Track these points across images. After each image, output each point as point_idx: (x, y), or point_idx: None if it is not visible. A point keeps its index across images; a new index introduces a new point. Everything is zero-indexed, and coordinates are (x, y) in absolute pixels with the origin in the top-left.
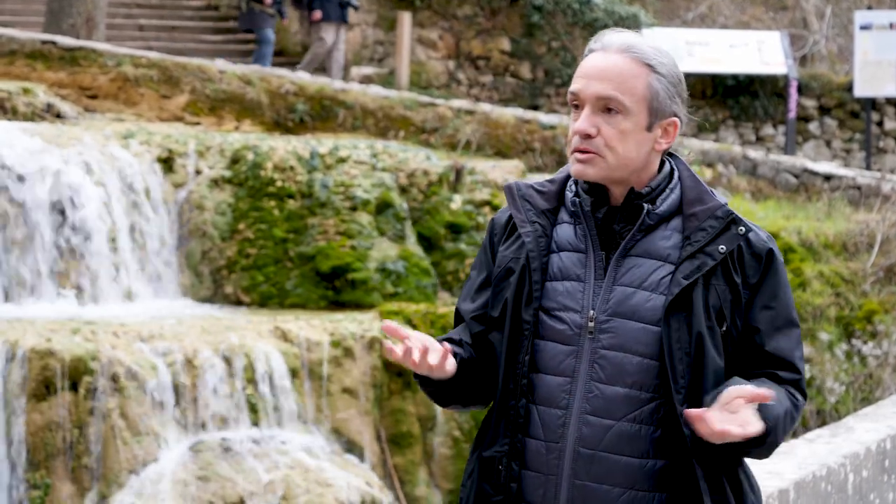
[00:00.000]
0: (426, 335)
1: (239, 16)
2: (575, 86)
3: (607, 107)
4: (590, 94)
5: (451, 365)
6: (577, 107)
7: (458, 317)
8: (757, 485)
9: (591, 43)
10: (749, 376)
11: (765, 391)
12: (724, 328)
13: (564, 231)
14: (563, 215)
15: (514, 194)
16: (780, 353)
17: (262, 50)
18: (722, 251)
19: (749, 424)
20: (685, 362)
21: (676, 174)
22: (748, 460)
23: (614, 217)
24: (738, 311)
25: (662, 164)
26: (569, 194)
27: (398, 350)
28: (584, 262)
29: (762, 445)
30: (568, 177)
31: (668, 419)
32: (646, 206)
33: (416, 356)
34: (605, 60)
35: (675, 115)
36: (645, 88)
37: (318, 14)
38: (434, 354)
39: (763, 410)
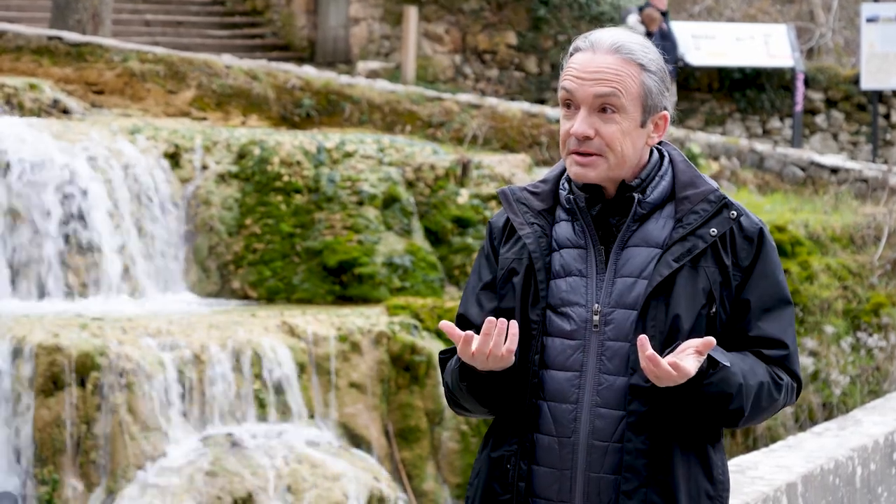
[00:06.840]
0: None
1: None
2: (570, 84)
3: (603, 107)
4: (586, 95)
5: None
6: (568, 106)
7: (466, 322)
8: (721, 478)
9: (578, 41)
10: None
11: (708, 339)
12: (714, 310)
13: (563, 229)
14: (560, 213)
15: (509, 199)
16: (768, 334)
17: None
18: (713, 234)
19: (680, 362)
20: (658, 340)
21: (667, 160)
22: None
23: (609, 211)
24: (728, 293)
25: (652, 152)
26: (563, 192)
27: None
28: (585, 257)
29: (724, 412)
30: (560, 175)
31: (653, 400)
32: (636, 196)
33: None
34: (597, 61)
35: (665, 109)
36: (639, 87)
37: None
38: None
39: (725, 375)
